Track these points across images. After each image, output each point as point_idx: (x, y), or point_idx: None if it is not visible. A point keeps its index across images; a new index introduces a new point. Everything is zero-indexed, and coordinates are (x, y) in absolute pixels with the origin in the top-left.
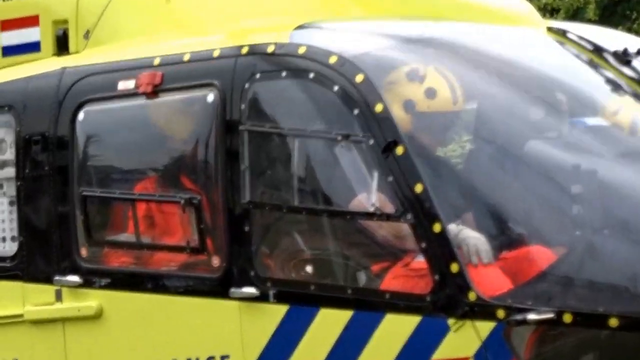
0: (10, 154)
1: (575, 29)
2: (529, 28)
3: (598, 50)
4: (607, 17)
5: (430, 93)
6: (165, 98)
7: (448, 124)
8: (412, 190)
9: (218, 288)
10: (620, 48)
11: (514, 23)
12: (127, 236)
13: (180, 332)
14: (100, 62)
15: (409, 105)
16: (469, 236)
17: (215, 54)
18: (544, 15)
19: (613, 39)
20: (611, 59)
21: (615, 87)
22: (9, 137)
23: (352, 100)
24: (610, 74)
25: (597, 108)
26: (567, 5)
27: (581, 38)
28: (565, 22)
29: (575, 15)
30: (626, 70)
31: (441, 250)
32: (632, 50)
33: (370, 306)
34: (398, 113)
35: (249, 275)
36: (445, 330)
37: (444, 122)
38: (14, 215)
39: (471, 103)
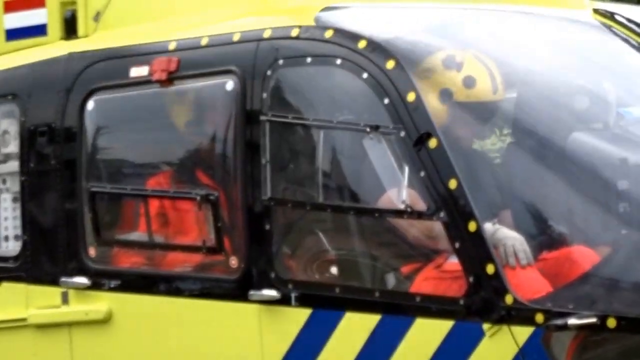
0: (14, 147)
1: (625, 11)
2: (574, 10)
3: None
4: None
5: (469, 82)
6: (181, 86)
7: (487, 115)
8: (446, 186)
9: (236, 290)
10: None
11: (557, 5)
12: (138, 235)
13: (195, 337)
14: (111, 47)
15: (445, 95)
16: (506, 236)
17: (235, 38)
18: None
19: None
20: None
21: None
22: (13, 128)
23: (382, 88)
24: None
25: None
26: None
27: (630, 21)
28: (613, 4)
29: None
30: None
31: (476, 251)
32: None
33: (399, 310)
34: (433, 103)
35: (269, 276)
36: (479, 335)
37: (483, 113)
38: (18, 213)
39: (512, 92)
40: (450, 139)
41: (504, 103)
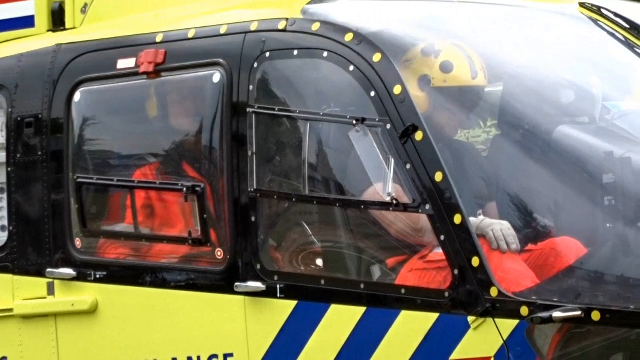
0: (0, 138)
1: (611, 5)
2: (560, 4)
3: (634, 28)
4: None
5: (447, 66)
6: (167, 78)
7: (469, 101)
8: (432, 179)
9: (222, 282)
10: None
11: None
12: (124, 226)
13: (181, 328)
14: (99, 39)
15: (424, 82)
16: (493, 223)
17: (223, 30)
18: None
19: None
20: None
21: None
22: (0, 120)
23: (368, 81)
24: None
25: (632, 91)
26: None
27: (617, 15)
28: None
29: None
30: None
31: (461, 243)
32: None
33: (384, 302)
34: (414, 92)
35: (255, 268)
36: (464, 328)
37: (464, 99)
38: (4, 204)
39: (496, 84)
40: (435, 129)
41: (486, 92)
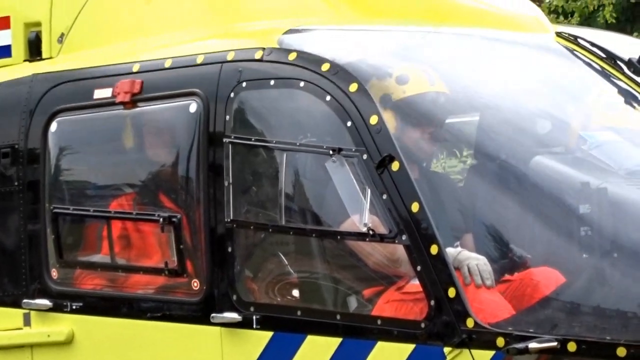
0: None
1: (588, 34)
2: (537, 34)
3: (611, 57)
4: (626, 21)
5: (402, 78)
6: (144, 108)
7: (434, 108)
8: (408, 209)
9: (198, 313)
10: (635, 56)
11: (520, 29)
12: (101, 257)
13: (157, 359)
14: (75, 69)
15: (385, 101)
16: (469, 257)
17: (199, 60)
18: (556, 19)
19: (628, 45)
20: (625, 68)
21: (629, 97)
22: None
23: (345, 111)
24: (624, 84)
25: (608, 121)
26: (581, 8)
27: (593, 45)
28: (577, 28)
29: (591, 18)
30: None
31: (438, 274)
32: None
33: (360, 333)
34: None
35: (231, 299)
36: (441, 359)
37: (428, 105)
38: None
39: (472, 114)
40: (408, 149)
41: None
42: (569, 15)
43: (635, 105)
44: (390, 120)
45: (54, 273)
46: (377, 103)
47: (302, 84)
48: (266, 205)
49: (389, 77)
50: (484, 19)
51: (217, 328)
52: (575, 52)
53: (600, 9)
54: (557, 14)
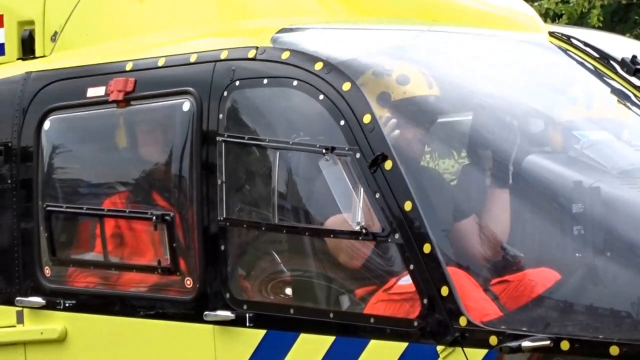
0: None
1: (581, 34)
2: (530, 33)
3: (604, 57)
4: (616, 23)
5: (403, 79)
6: (137, 106)
7: (430, 109)
8: (401, 208)
9: (191, 311)
10: (628, 56)
11: (513, 28)
12: (94, 255)
13: (150, 358)
14: (68, 67)
15: (383, 99)
16: None
17: (192, 58)
18: (545, 21)
19: (621, 45)
20: (618, 68)
21: (622, 97)
22: None
23: (338, 110)
24: (617, 84)
25: (601, 120)
26: (571, 10)
27: (586, 44)
28: (569, 27)
29: (580, 20)
30: (634, 79)
31: (431, 273)
32: None
33: (353, 331)
34: (376, 112)
35: (224, 297)
36: (433, 357)
37: (425, 108)
38: None
39: (465, 113)
40: (401, 150)
41: (440, 96)
42: (558, 18)
43: (628, 104)
44: (384, 120)
45: (47, 271)
46: (371, 102)
47: (295, 82)
48: (259, 203)
49: (384, 76)
50: (477, 17)
51: (210, 326)
52: (568, 51)
53: (590, 12)
54: (547, 16)
